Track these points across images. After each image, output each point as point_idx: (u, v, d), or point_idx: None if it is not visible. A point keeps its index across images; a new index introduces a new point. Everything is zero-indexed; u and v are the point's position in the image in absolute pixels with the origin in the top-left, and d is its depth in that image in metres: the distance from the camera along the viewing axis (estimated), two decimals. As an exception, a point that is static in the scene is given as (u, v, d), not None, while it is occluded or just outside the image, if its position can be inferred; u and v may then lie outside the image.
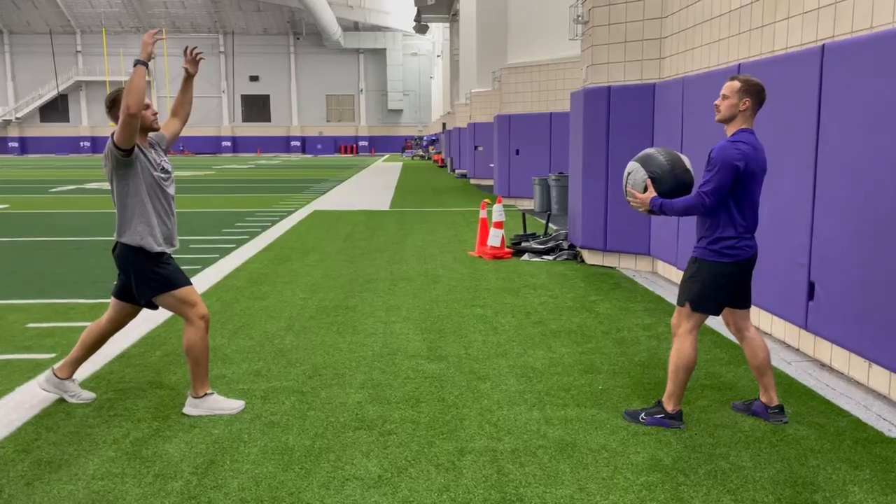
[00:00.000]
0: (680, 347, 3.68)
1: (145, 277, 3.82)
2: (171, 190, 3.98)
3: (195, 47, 4.18)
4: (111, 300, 4.06)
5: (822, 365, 4.75)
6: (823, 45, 4.58)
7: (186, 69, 4.10)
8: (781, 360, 4.85)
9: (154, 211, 3.83)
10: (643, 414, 3.77)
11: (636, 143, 7.91)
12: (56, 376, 4.04)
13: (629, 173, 3.82)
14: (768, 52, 5.43)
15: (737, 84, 3.58)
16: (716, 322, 5.34)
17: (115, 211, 3.86)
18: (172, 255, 3.96)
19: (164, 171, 3.90)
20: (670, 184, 3.70)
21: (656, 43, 7.72)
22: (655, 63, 7.76)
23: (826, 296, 4.58)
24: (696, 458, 3.35)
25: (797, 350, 5.07)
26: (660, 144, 7.60)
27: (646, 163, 3.77)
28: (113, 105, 3.77)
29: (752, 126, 3.63)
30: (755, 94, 3.58)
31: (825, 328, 4.61)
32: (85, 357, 4.10)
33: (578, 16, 8.77)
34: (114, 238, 3.89)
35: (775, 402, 3.82)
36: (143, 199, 3.79)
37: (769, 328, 5.47)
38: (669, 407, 3.72)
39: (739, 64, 5.74)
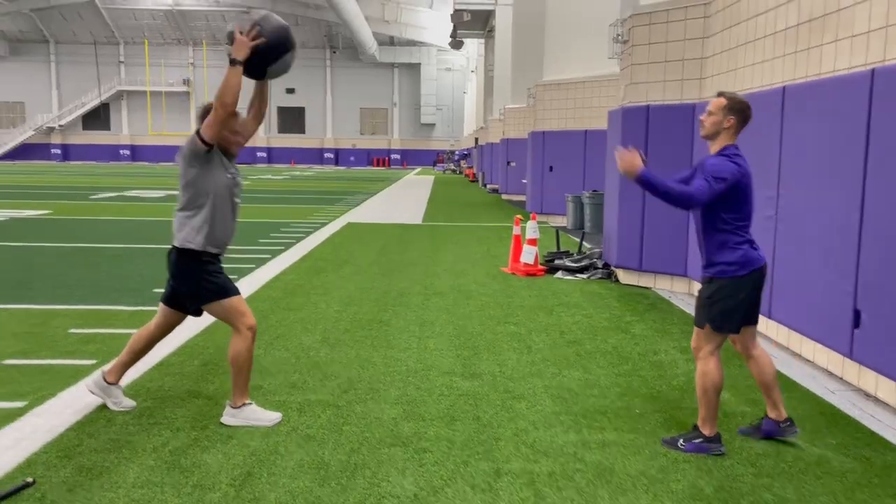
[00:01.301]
0: (704, 370, 3.64)
1: (197, 286, 3.87)
2: (239, 195, 4.01)
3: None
4: (160, 306, 4.12)
5: (868, 395, 4.63)
6: (873, 70, 4.50)
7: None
8: (825, 389, 4.74)
9: (219, 213, 3.85)
10: (681, 440, 3.71)
11: (674, 163, 7.83)
12: (105, 380, 4.11)
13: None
14: (814, 74, 5.35)
15: (723, 101, 3.62)
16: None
17: (179, 211, 3.88)
18: (221, 265, 3.99)
19: (234, 176, 3.94)
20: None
21: (697, 63, 7.66)
22: (696, 83, 7.69)
23: (872, 324, 4.47)
24: (738, 489, 3.28)
25: (840, 379, 4.95)
26: (699, 165, 7.52)
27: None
28: (205, 114, 3.81)
29: (735, 142, 3.64)
30: (740, 112, 3.60)
31: (871, 357, 4.50)
32: (133, 362, 4.17)
33: (618, 34, 8.75)
34: (174, 241, 3.91)
35: (784, 415, 3.78)
36: (211, 200, 3.82)
37: (811, 356, 5.36)
38: (707, 431, 3.66)
39: (784, 86, 5.67)
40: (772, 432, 3.79)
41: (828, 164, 5.00)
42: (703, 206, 3.53)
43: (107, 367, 4.21)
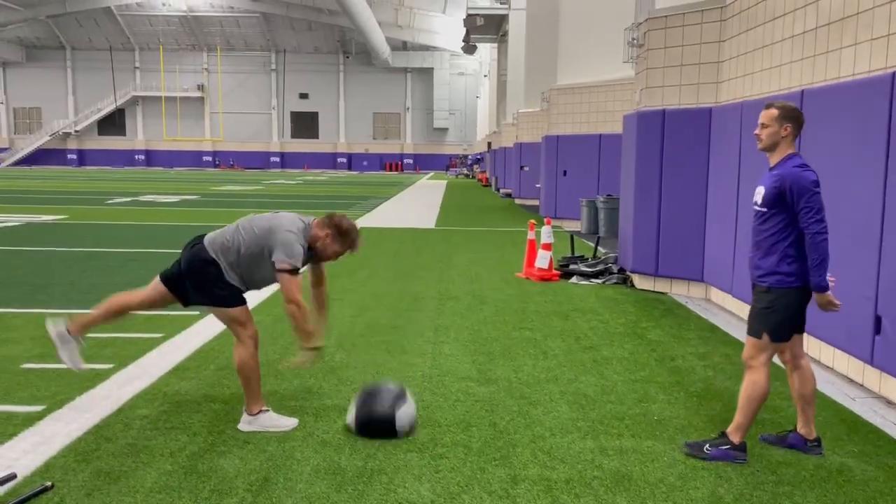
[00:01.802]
0: (755, 380, 3.58)
1: (207, 288, 3.87)
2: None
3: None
4: (155, 280, 4.06)
5: (889, 402, 4.56)
6: (894, 73, 4.45)
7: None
8: (845, 396, 4.68)
9: (254, 274, 3.92)
10: (707, 445, 3.65)
11: (691, 168, 7.80)
12: (69, 331, 4.02)
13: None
14: (833, 78, 5.30)
15: (774, 112, 3.60)
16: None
17: (226, 233, 3.90)
18: None
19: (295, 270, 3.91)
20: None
21: (714, 67, 7.61)
22: (712, 87, 7.64)
23: (893, 330, 4.41)
24: (758, 497, 3.24)
25: (861, 386, 4.89)
26: (716, 170, 7.47)
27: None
28: (326, 226, 3.94)
29: (796, 150, 3.62)
30: (794, 118, 3.58)
31: (893, 364, 4.44)
32: (102, 323, 4.10)
33: (633, 38, 8.72)
34: (206, 237, 3.91)
35: (814, 434, 3.74)
36: (251, 266, 3.87)
37: (831, 362, 5.29)
38: (736, 438, 3.61)
39: (802, 90, 5.62)
40: (796, 447, 3.73)
41: (847, 168, 4.94)
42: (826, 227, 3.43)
43: (72, 320, 4.09)
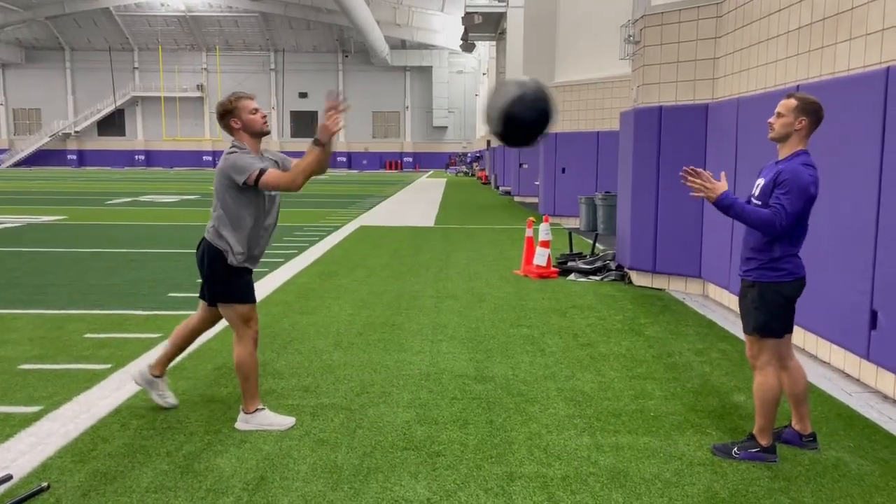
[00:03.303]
0: (764, 382, 3.55)
1: (218, 281, 3.90)
2: (274, 213, 4.02)
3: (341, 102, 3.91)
4: (200, 302, 4.19)
5: (885, 397, 4.57)
6: (888, 68, 4.45)
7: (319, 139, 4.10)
8: (841, 391, 4.69)
9: (253, 230, 3.88)
10: (736, 448, 3.62)
11: (688, 164, 7.77)
12: (151, 373, 4.18)
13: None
14: (829, 73, 5.30)
15: (793, 102, 3.46)
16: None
17: (213, 210, 3.90)
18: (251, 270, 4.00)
19: (272, 199, 3.94)
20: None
21: (710, 63, 7.61)
22: (709, 83, 7.64)
23: (890, 324, 4.42)
24: (754, 492, 3.25)
25: (857, 380, 4.89)
26: (713, 166, 7.47)
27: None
28: (223, 116, 3.85)
29: (807, 147, 3.52)
30: (812, 112, 3.45)
31: (888, 359, 4.44)
32: (176, 354, 4.26)
33: (630, 35, 8.71)
34: (205, 233, 3.93)
35: (809, 429, 3.73)
36: (247, 217, 3.84)
37: (828, 357, 5.30)
38: (764, 441, 3.59)
39: (798, 85, 5.62)
40: (791, 442, 3.73)
41: (843, 164, 4.94)
42: (788, 228, 3.35)
43: (152, 361, 4.27)
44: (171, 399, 4.21)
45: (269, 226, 3.99)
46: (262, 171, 3.73)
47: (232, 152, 3.83)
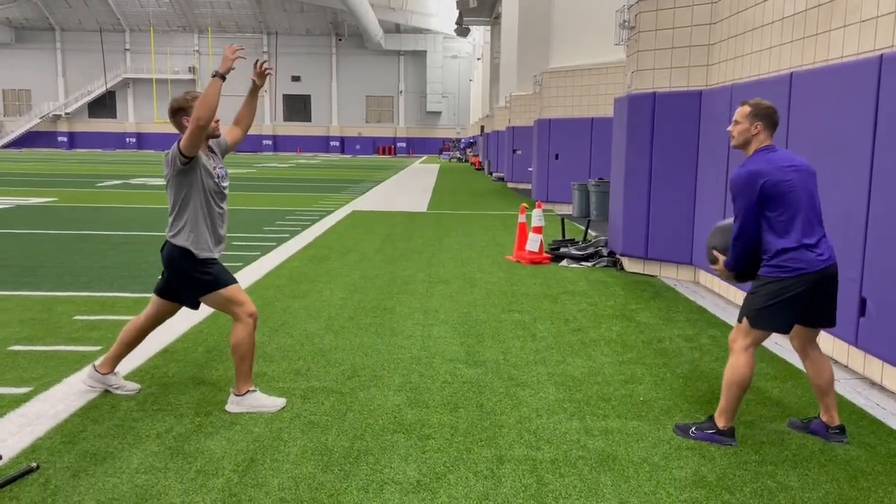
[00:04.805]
0: (734, 363, 3.58)
1: (192, 279, 3.88)
2: (225, 196, 4.01)
3: (265, 61, 4.12)
4: (152, 297, 4.13)
5: (873, 383, 4.61)
6: (882, 55, 4.45)
7: (254, 81, 4.10)
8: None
9: (208, 217, 3.89)
10: (694, 428, 3.68)
11: (681, 151, 7.80)
12: (98, 372, 4.12)
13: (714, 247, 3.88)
14: (822, 60, 5.30)
15: (746, 109, 3.60)
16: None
17: (169, 212, 3.91)
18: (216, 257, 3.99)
19: (220, 177, 3.95)
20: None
21: (704, 49, 7.59)
22: (703, 70, 7.63)
23: (878, 312, 4.45)
24: (741, 476, 3.28)
25: (846, 367, 4.93)
26: (706, 153, 7.48)
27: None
28: (175, 113, 3.84)
29: (771, 143, 3.60)
30: (766, 117, 3.57)
31: (876, 346, 4.48)
32: (124, 353, 4.17)
33: (624, 21, 8.68)
34: (165, 236, 3.94)
35: (836, 421, 3.71)
36: (198, 205, 3.85)
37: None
38: (721, 423, 3.63)
39: (791, 72, 5.62)
40: (818, 434, 3.72)
41: (835, 151, 4.95)
42: (751, 230, 3.52)
43: (98, 360, 4.23)
44: (130, 386, 4.16)
45: (223, 211, 3.98)
46: (178, 141, 3.72)
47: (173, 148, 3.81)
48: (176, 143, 3.73)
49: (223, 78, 3.70)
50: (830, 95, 5.05)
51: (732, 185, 3.54)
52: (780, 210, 3.46)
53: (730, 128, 3.67)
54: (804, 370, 3.84)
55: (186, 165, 3.76)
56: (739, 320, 3.62)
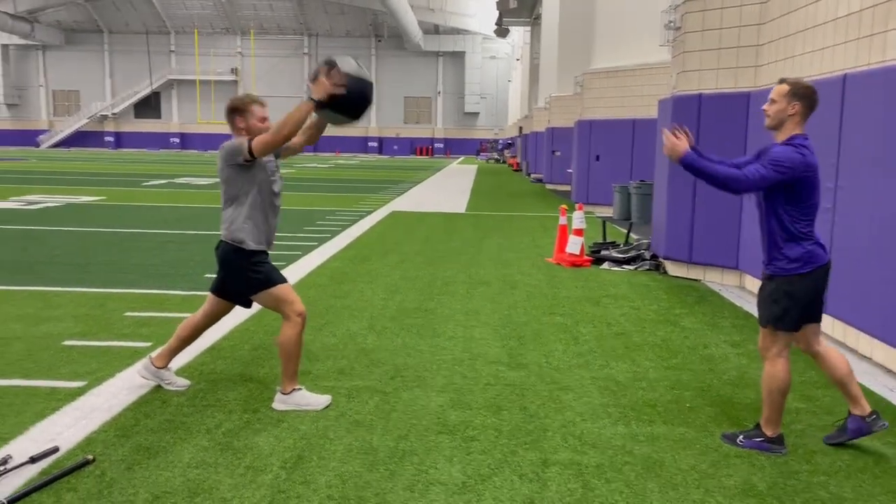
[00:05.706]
0: (771, 371, 3.52)
1: (244, 277, 3.96)
2: (278, 193, 4.09)
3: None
4: (208, 295, 4.21)
5: (928, 394, 4.48)
6: (942, 56, 4.32)
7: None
8: (883, 387, 4.60)
9: (261, 211, 3.96)
10: (742, 436, 3.62)
11: (727, 154, 7.63)
12: (153, 365, 4.22)
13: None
14: (878, 62, 5.17)
15: (785, 87, 3.43)
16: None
17: (224, 205, 4.00)
18: (268, 255, 4.07)
19: (272, 172, 4.02)
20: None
21: (752, 50, 7.46)
22: (751, 71, 7.50)
23: (936, 321, 4.31)
24: (792, 486, 3.21)
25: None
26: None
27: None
28: (231, 112, 3.94)
29: (804, 132, 3.46)
30: (805, 97, 3.41)
31: (933, 355, 4.35)
32: (180, 348, 4.27)
33: (670, 21, 8.58)
34: (220, 235, 4.03)
35: (868, 408, 3.59)
36: (252, 200, 3.93)
37: (869, 352, 5.20)
38: (769, 432, 3.56)
39: (845, 74, 5.49)
40: (860, 430, 3.57)
41: (889, 155, 4.82)
42: (752, 191, 3.41)
43: (154, 353, 4.33)
44: (181, 382, 4.26)
45: (277, 206, 4.06)
46: (250, 140, 3.81)
47: (226, 143, 3.93)
48: (247, 140, 3.80)
49: (318, 106, 3.76)
50: (886, 98, 4.92)
51: (772, 153, 3.36)
52: (804, 206, 3.40)
53: (765, 106, 3.49)
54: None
55: (249, 163, 3.85)
56: (763, 325, 3.55)
